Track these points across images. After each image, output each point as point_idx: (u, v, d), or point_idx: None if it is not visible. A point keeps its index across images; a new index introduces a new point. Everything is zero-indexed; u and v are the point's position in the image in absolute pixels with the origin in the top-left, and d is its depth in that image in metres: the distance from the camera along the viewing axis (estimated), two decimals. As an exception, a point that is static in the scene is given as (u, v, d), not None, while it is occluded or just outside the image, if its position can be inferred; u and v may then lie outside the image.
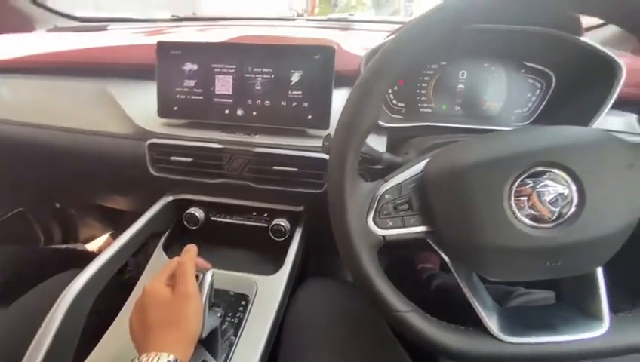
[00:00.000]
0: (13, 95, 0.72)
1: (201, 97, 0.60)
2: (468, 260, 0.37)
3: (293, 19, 1.02)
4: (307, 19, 1.04)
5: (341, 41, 0.69)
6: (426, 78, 0.67)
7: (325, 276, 0.62)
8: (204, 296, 0.44)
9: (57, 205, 1.11)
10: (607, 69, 0.53)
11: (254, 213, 0.66)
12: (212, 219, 0.66)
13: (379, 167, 0.53)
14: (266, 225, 0.64)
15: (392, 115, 0.68)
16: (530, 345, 0.35)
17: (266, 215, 0.65)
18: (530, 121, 0.65)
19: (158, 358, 0.35)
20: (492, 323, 0.37)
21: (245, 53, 0.57)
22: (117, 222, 1.16)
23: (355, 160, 0.38)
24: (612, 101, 0.53)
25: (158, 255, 0.62)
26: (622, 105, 0.55)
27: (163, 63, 0.60)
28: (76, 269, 0.65)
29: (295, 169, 0.57)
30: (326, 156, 0.56)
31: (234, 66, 0.58)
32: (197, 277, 0.44)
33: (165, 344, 0.37)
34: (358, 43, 0.67)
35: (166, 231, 0.65)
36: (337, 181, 0.38)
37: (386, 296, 0.37)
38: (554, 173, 0.32)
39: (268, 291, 0.55)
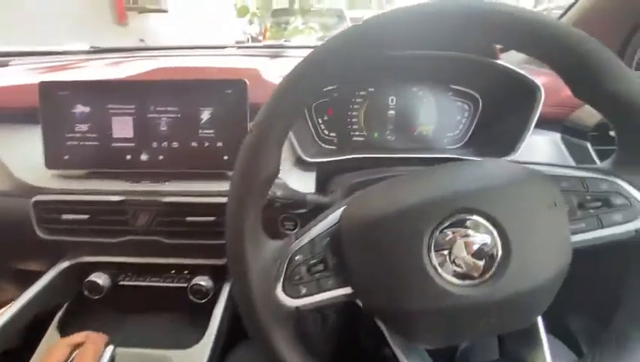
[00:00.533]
0: None
1: (96, 143, 0.51)
2: (391, 324, 0.32)
3: (223, 48, 0.97)
4: (239, 47, 1.00)
5: (264, 70, 0.64)
6: (355, 106, 0.64)
7: None
8: None
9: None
10: (527, 90, 0.53)
11: (172, 272, 0.57)
12: (120, 283, 0.56)
13: (304, 210, 0.47)
14: (185, 285, 0.55)
15: (325, 146, 0.64)
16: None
17: (186, 272, 0.56)
18: (462, 143, 0.63)
19: None
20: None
21: (146, 91, 0.50)
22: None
23: (256, 217, 0.32)
24: (534, 122, 0.53)
25: (51, 337, 0.50)
26: (545, 123, 0.54)
27: (48, 106, 0.51)
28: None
29: (212, 218, 0.50)
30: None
31: (133, 106, 0.50)
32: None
33: None
34: (282, 71, 0.63)
35: (64, 305, 0.54)
36: (236, 244, 0.31)
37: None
38: (474, 220, 0.28)
39: (186, 369, 0.46)
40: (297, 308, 0.32)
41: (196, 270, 0.55)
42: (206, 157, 0.50)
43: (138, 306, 0.54)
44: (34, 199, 0.51)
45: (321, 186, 0.54)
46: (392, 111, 0.64)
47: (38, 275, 0.53)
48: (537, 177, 0.30)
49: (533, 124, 0.53)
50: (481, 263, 0.28)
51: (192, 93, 0.50)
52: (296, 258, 0.32)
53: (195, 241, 0.51)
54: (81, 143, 0.51)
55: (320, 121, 0.64)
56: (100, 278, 0.54)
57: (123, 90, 0.50)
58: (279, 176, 0.47)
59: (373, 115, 0.63)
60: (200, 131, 0.50)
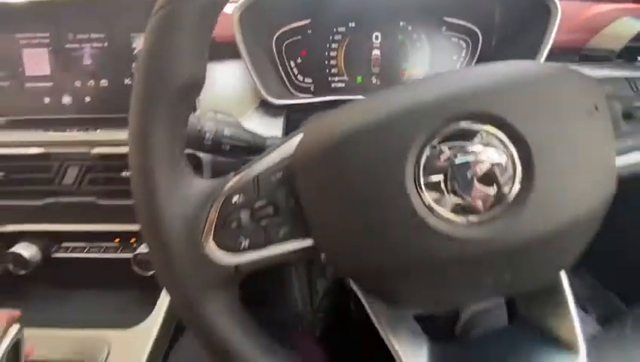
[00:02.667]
0: None
1: (6, 83, 0.41)
2: (368, 286, 0.24)
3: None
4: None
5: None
6: (333, 45, 0.54)
7: None
8: None
9: None
10: (537, 11, 0.43)
11: (117, 239, 0.48)
12: (53, 256, 0.47)
13: (207, 179, 0.38)
14: (130, 256, 0.46)
15: (299, 94, 0.55)
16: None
17: (132, 241, 0.47)
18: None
19: None
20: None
21: (63, 14, 0.40)
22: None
23: (171, 137, 0.23)
24: (546, 52, 0.44)
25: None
26: (559, 54, 0.45)
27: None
28: None
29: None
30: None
31: (47, 34, 0.40)
32: None
33: None
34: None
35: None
36: (141, 179, 0.22)
37: (249, 355, 0.22)
38: (482, 131, 0.19)
39: (125, 353, 0.38)
40: (237, 267, 0.23)
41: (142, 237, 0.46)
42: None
43: (74, 282, 0.45)
44: None
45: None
46: (376, 51, 0.54)
47: None
48: (572, 74, 0.21)
49: (545, 55, 0.44)
50: (492, 192, 0.19)
51: (121, 15, 0.39)
52: (234, 199, 0.23)
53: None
54: (-12, 84, 0.41)
55: (292, 64, 0.54)
56: (27, 250, 0.44)
57: (33, 13, 0.40)
58: (231, 114, 0.38)
59: (355, 55, 0.54)
60: (133, 65, 0.40)
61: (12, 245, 0.45)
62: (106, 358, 0.37)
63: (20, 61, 0.40)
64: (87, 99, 0.41)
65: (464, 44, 0.53)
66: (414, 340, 0.25)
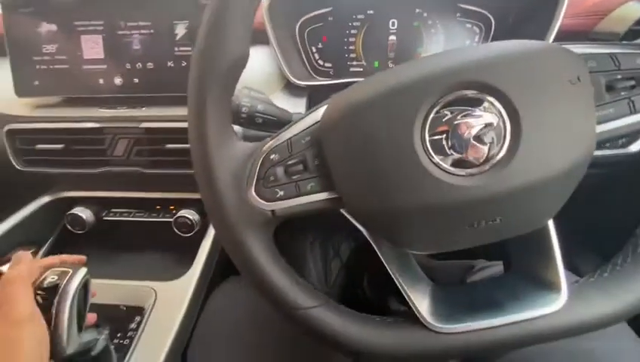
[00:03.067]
0: None
1: (66, 65, 0.47)
2: (381, 230, 0.28)
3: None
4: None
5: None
6: (352, 32, 0.58)
7: None
8: (67, 306, 0.32)
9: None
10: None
11: (158, 206, 0.54)
12: (105, 218, 0.54)
13: (248, 142, 0.43)
14: (171, 219, 0.52)
15: (319, 78, 0.59)
16: (467, 333, 0.26)
17: (172, 207, 0.54)
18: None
19: None
20: (423, 307, 0.28)
21: (114, 5, 0.45)
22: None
23: (221, 107, 0.28)
24: (555, 31, 0.46)
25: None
26: (567, 38, 0.48)
27: (12, 26, 0.47)
28: None
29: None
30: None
31: (101, 22, 0.45)
32: (64, 274, 0.33)
33: None
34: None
35: (48, 240, 0.52)
36: (199, 144, 0.27)
37: (283, 290, 0.28)
38: (477, 96, 0.23)
39: (169, 300, 0.44)
40: (273, 212, 0.28)
41: (182, 204, 0.52)
42: (183, 78, 0.45)
43: (123, 241, 0.52)
44: (6, 128, 0.48)
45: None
46: (393, 37, 0.57)
47: None
48: (558, 49, 0.24)
49: (552, 39, 0.46)
50: (485, 148, 0.23)
51: (164, 5, 0.44)
52: (272, 157, 0.28)
53: (177, 171, 0.47)
54: (51, 67, 0.47)
55: (313, 49, 0.58)
56: (83, 213, 0.51)
57: (90, 4, 0.45)
58: (263, 92, 0.43)
59: (372, 41, 0.58)
60: (175, 49, 0.45)
61: (70, 208, 0.52)
62: (153, 305, 0.43)
63: (79, 46, 0.46)
64: (136, 80, 0.47)
65: (477, 30, 0.56)
66: (419, 281, 0.30)
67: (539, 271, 0.29)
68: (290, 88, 0.50)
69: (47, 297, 0.33)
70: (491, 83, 0.23)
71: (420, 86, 0.24)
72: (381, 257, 0.30)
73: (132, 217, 0.53)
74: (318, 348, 0.41)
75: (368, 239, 0.30)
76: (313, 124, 0.29)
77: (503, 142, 0.23)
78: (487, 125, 0.23)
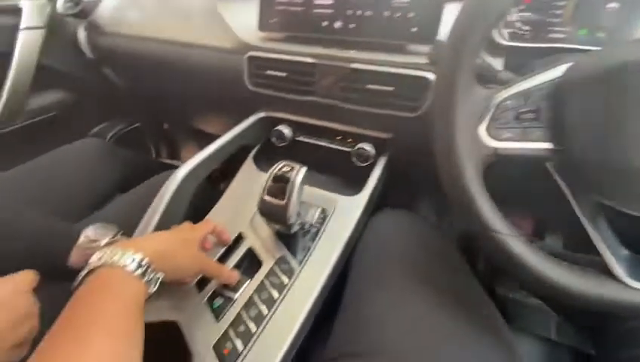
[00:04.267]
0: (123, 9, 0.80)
1: (300, 8, 0.58)
2: (604, 190, 0.31)
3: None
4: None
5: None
6: (566, -6, 0.54)
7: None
8: (295, 191, 0.45)
9: (165, 126, 1.26)
10: None
11: (339, 137, 0.65)
12: (298, 139, 0.67)
13: (490, 86, 0.46)
14: (349, 150, 0.62)
15: (512, 41, 0.58)
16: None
17: (350, 140, 0.64)
18: None
19: (123, 254, 0.33)
20: (619, 267, 0.31)
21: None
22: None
23: (473, 57, 0.33)
24: None
25: (248, 165, 0.65)
26: None
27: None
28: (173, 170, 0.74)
29: (390, 88, 0.53)
30: (428, 75, 0.50)
31: (337, -28, 0.54)
32: (292, 169, 0.47)
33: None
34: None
35: (256, 145, 0.68)
36: (449, 79, 0.33)
37: (486, 214, 0.33)
38: None
39: (346, 210, 0.55)
40: (496, 150, 0.33)
41: (360, 138, 0.61)
42: (394, 27, 0.52)
43: (309, 159, 0.64)
44: (248, 54, 0.63)
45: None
46: (613, 4, 0.52)
47: (210, 139, 0.65)
48: None
49: None
50: None
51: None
52: (507, 102, 0.33)
53: (369, 109, 0.56)
54: (288, 8, 0.59)
55: (515, 10, 0.57)
56: (285, 130, 0.65)
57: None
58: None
59: (588, 5, 0.53)
60: (392, 0, 0.51)
61: (275, 126, 0.67)
62: (333, 211, 0.55)
63: (314, -8, 0.56)
64: (352, 25, 0.55)
65: None
66: (614, 243, 0.32)
67: None
68: (490, 48, 0.51)
69: (282, 181, 0.46)
70: None
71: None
72: (581, 216, 0.33)
73: (319, 141, 0.66)
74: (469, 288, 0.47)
75: (569, 197, 0.33)
76: (552, 79, 0.32)
77: None
78: None
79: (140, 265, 0.32)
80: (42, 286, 0.37)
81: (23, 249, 0.45)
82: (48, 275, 0.39)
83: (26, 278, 0.37)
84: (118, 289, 0.30)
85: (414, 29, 0.51)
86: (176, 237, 0.41)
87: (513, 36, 0.58)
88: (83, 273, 0.32)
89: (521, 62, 0.51)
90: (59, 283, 0.45)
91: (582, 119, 0.29)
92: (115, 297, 0.30)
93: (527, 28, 0.57)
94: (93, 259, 0.33)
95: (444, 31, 0.50)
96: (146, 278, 0.33)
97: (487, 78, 0.45)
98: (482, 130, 0.33)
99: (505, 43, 0.50)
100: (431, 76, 0.50)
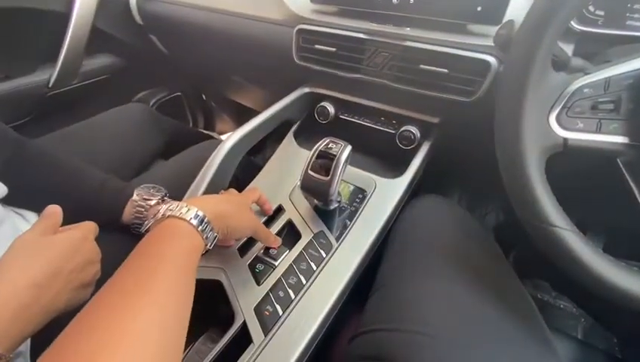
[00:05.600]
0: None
1: (356, -19, 0.56)
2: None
3: None
4: None
5: None
6: (652, -25, 0.49)
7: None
8: (340, 168, 0.45)
9: (204, 96, 1.28)
10: None
11: (382, 118, 0.64)
12: (341, 116, 0.67)
13: (562, 73, 0.43)
14: (393, 132, 0.61)
15: (582, 26, 0.54)
16: None
17: (394, 121, 0.62)
18: None
19: (188, 209, 0.34)
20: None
21: None
22: (247, 121, 1.30)
23: (551, 43, 0.31)
24: None
25: (289, 140, 0.66)
26: None
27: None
28: (217, 141, 0.76)
29: (445, 70, 0.51)
30: (489, 58, 0.48)
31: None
32: (339, 146, 0.48)
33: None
34: None
35: (298, 121, 0.69)
36: (523, 63, 0.31)
37: (545, 206, 0.32)
38: None
39: (385, 192, 0.55)
40: (566, 140, 0.31)
41: (404, 120, 0.60)
42: (457, 4, 0.49)
43: (351, 138, 0.63)
44: (298, 27, 0.62)
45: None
46: None
47: (252, 115, 0.65)
48: None
49: None
50: None
51: None
52: (585, 90, 0.31)
53: (419, 90, 0.54)
54: (346, -20, 0.57)
55: (590, -8, 0.53)
56: (328, 107, 0.65)
57: None
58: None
59: (676, -10, 0.48)
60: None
61: (319, 102, 0.67)
62: (373, 191, 0.55)
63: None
64: (411, 0, 0.52)
65: None
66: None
67: None
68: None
69: (326, 157, 0.47)
70: None
71: None
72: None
73: (362, 121, 0.65)
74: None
75: (637, 197, 0.31)
76: (638, 69, 0.29)
77: None
78: None
79: (202, 221, 0.34)
80: (99, 236, 0.41)
81: (86, 199, 0.49)
82: (103, 226, 0.42)
83: (91, 227, 0.40)
84: (182, 238, 0.32)
85: (479, 8, 0.48)
86: (232, 200, 0.43)
87: (585, 21, 0.54)
88: (153, 219, 0.35)
89: (592, 50, 0.48)
90: (112, 233, 0.48)
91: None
92: (179, 244, 0.32)
93: (600, 13, 0.53)
94: (163, 209, 0.35)
95: (509, 11, 0.47)
96: (205, 235, 0.34)
97: (559, 65, 0.42)
98: (553, 118, 0.31)
99: (578, 28, 0.47)
100: (492, 60, 0.47)
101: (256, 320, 0.41)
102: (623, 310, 0.31)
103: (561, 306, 0.83)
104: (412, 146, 0.59)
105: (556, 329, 0.59)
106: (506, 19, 0.47)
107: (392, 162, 0.60)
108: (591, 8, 0.53)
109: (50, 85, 0.84)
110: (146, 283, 0.27)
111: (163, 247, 0.31)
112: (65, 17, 0.80)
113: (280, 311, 0.41)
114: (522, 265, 0.83)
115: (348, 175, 0.57)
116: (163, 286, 0.27)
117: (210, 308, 0.45)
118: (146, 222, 0.35)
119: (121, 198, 0.50)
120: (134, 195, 0.51)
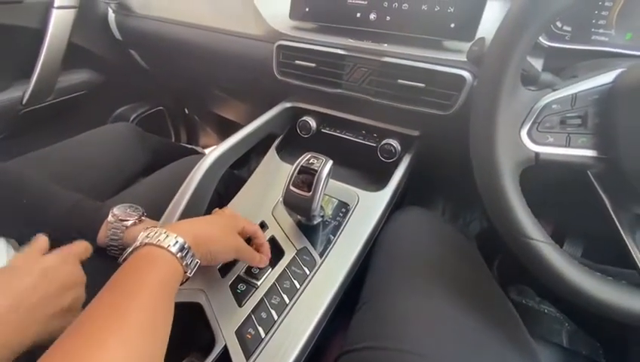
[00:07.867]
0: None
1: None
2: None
3: None
4: None
5: None
6: (614, -5, 0.52)
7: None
8: (321, 184, 0.45)
9: (186, 110, 1.27)
10: None
11: (364, 131, 0.64)
12: (322, 130, 0.67)
13: (531, 88, 0.45)
14: (374, 145, 0.62)
15: (549, 42, 0.56)
16: None
17: (375, 135, 0.63)
18: None
19: (167, 236, 0.33)
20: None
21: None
22: (231, 134, 1.29)
23: (520, 59, 0.32)
24: None
25: (271, 155, 0.66)
26: None
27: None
28: (199, 156, 0.74)
29: (422, 85, 0.52)
30: (464, 72, 0.49)
31: (375, -37, 0.52)
32: (320, 161, 0.48)
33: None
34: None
35: (280, 135, 0.69)
36: (494, 79, 0.32)
37: (522, 219, 0.33)
38: None
39: (368, 206, 0.55)
40: (537, 155, 0.32)
41: (385, 134, 0.61)
42: (432, 22, 0.51)
43: (333, 152, 0.64)
44: (277, 43, 0.62)
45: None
46: (664, 7, 0.49)
47: (235, 128, 0.64)
48: None
49: None
50: None
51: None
52: (553, 106, 0.32)
53: (398, 104, 0.55)
54: (322, -2, 0.58)
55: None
56: (310, 121, 0.65)
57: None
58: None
59: (636, 8, 0.51)
60: (431, -6, 0.50)
61: (300, 117, 0.67)
62: (356, 205, 0.55)
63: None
64: (388, 18, 0.54)
65: None
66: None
67: None
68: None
69: (308, 172, 0.47)
70: None
71: None
72: (618, 226, 0.32)
73: (344, 135, 0.65)
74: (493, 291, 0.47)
75: (607, 207, 0.32)
76: (603, 85, 0.31)
77: None
78: None
79: (182, 248, 0.33)
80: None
81: (56, 222, 0.47)
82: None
83: (77, 250, 0.39)
84: (159, 267, 0.31)
85: (453, 25, 0.50)
86: (217, 222, 0.42)
87: (553, 36, 0.56)
88: (130, 249, 0.33)
89: (560, 65, 0.50)
90: (91, 256, 0.47)
91: (633, 128, 0.28)
92: (157, 273, 0.31)
93: (568, 28, 0.55)
94: (141, 237, 0.34)
95: (481, 28, 0.49)
96: (185, 262, 0.33)
97: (528, 80, 0.43)
98: (524, 133, 0.32)
99: (546, 43, 0.49)
100: (467, 74, 0.49)
101: (238, 344, 0.39)
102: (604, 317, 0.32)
103: (546, 311, 0.84)
104: (393, 159, 0.59)
105: (540, 336, 0.59)
106: (478, 35, 0.48)
107: (374, 175, 0.60)
108: (558, 24, 0.55)
109: (23, 102, 0.81)
110: (116, 320, 0.26)
111: (139, 278, 0.29)
112: (40, 33, 0.78)
113: (262, 334, 0.40)
114: (506, 271, 0.85)
115: (330, 189, 0.57)
116: (136, 322, 0.26)
117: (190, 332, 0.43)
118: (124, 252, 0.34)
119: (96, 220, 0.48)
120: (109, 216, 0.49)
